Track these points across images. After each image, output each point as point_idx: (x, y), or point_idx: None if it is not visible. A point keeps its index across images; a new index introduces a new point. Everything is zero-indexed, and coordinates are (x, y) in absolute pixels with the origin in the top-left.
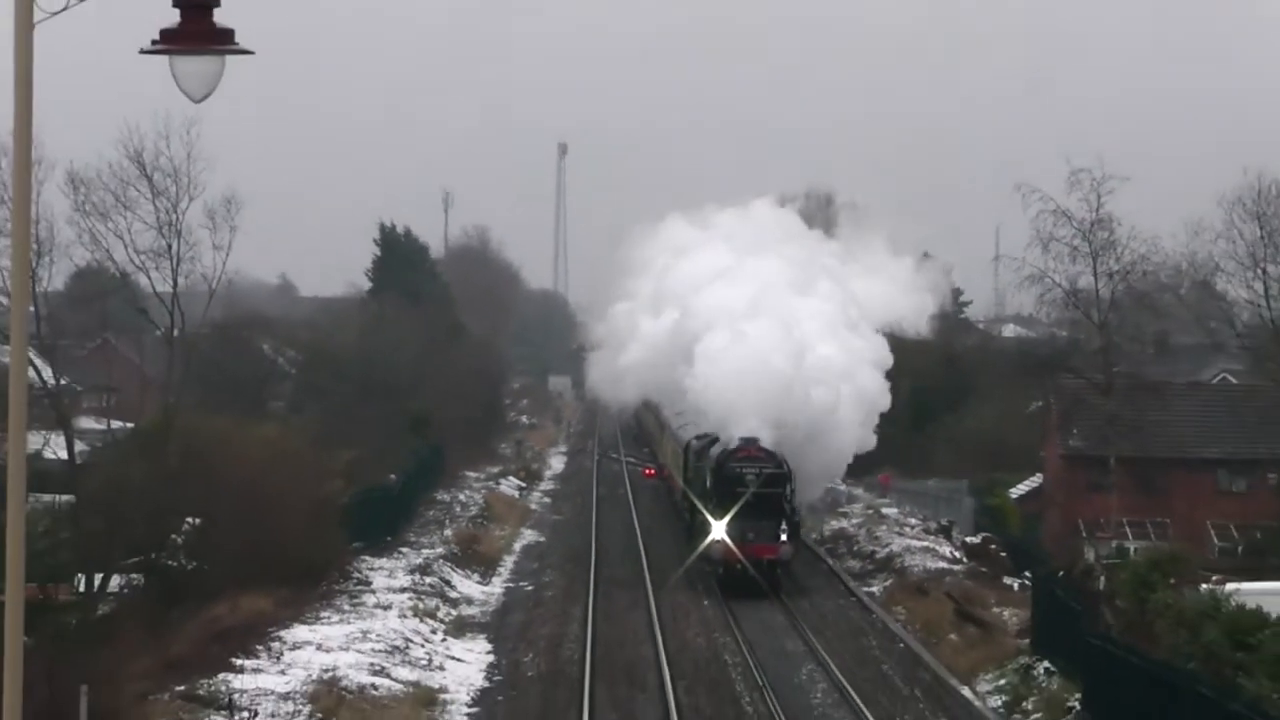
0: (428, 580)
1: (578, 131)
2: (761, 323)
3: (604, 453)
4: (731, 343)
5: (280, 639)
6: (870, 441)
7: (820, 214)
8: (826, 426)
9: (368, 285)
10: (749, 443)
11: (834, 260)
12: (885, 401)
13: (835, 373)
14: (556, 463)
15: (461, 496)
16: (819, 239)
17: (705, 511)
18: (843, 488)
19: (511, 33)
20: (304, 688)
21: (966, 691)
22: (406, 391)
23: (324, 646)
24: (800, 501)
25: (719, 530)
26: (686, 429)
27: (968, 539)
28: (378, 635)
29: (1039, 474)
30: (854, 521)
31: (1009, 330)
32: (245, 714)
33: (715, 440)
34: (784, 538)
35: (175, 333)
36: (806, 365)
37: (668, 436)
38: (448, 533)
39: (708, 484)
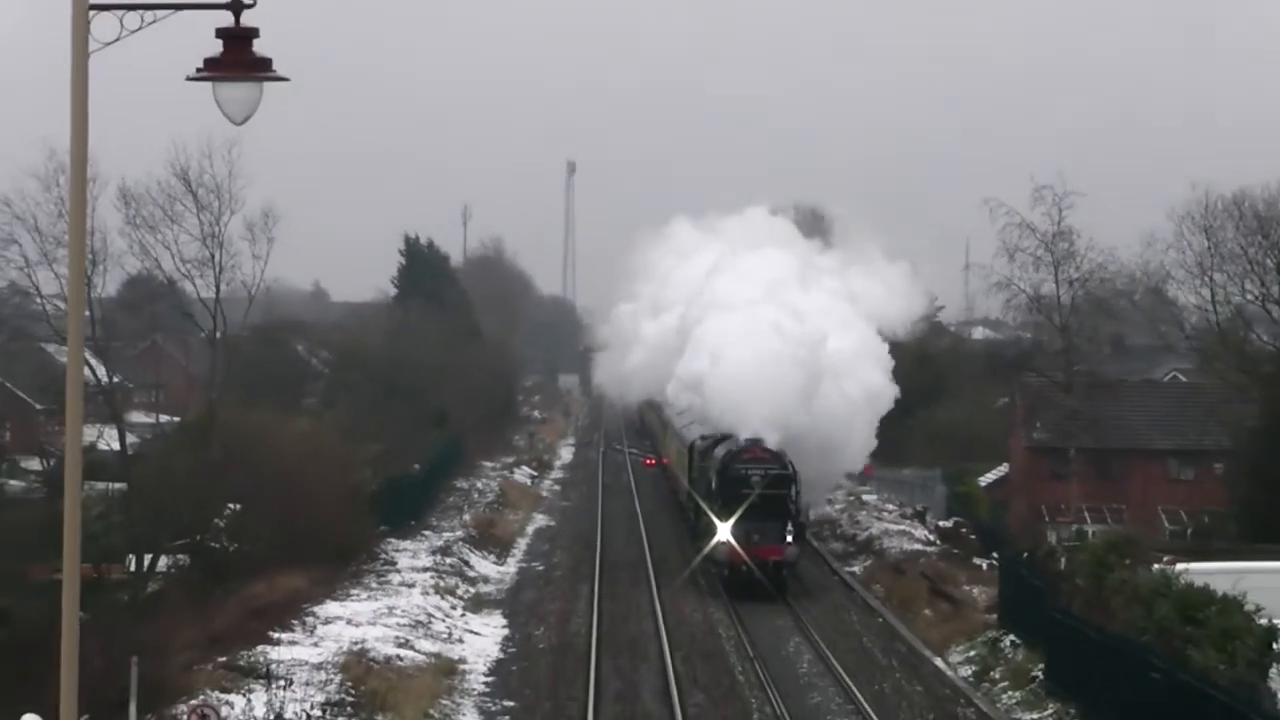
0: (448, 561)
1: (586, 149)
2: (767, 320)
3: (609, 444)
4: (739, 342)
5: (313, 614)
6: (873, 442)
7: (809, 225)
8: (838, 439)
9: (394, 292)
10: (754, 444)
11: (831, 263)
12: (889, 401)
13: (848, 369)
14: (565, 453)
15: (479, 484)
16: (814, 247)
17: (710, 513)
18: None
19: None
20: (335, 659)
21: (939, 662)
22: (429, 389)
23: (353, 621)
24: (805, 503)
25: (724, 532)
26: (690, 429)
27: (940, 523)
28: (402, 611)
29: (1005, 464)
30: (837, 507)
31: (978, 333)
32: (281, 683)
33: (720, 441)
34: (789, 539)
35: (218, 335)
36: (825, 358)
37: (671, 435)
38: (466, 517)
39: (713, 485)
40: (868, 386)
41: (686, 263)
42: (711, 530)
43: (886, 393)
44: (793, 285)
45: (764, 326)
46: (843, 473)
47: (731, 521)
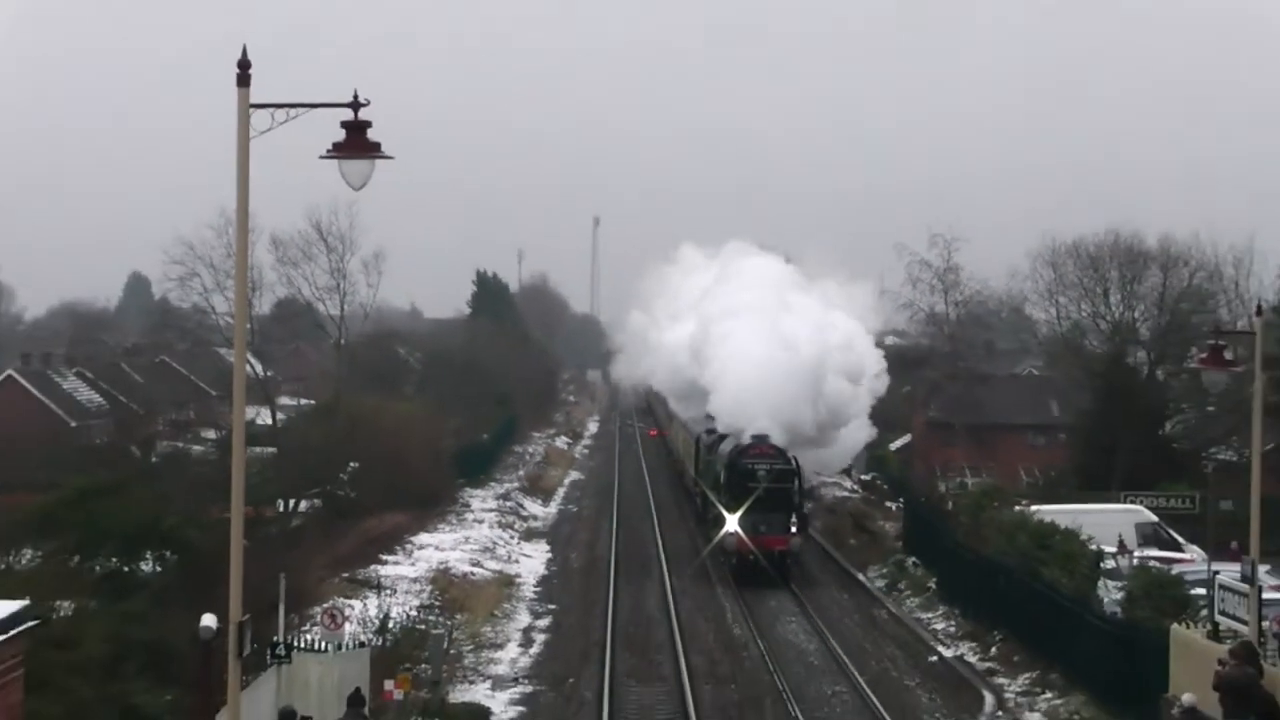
0: (507, 504)
1: (609, 201)
2: (769, 323)
3: (623, 421)
4: (744, 347)
5: (411, 543)
6: (872, 431)
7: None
8: (838, 433)
9: (468, 310)
10: (760, 440)
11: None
12: (882, 387)
13: (853, 369)
14: (592, 427)
15: (529, 449)
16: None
17: (719, 505)
18: None
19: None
20: (426, 574)
21: (861, 577)
22: (493, 380)
23: (439, 547)
24: (815, 483)
25: (733, 523)
26: (696, 422)
27: (862, 477)
28: (474, 540)
29: (909, 434)
30: None
31: (889, 340)
32: (388, 591)
33: (725, 437)
34: (794, 530)
35: (341, 342)
36: (830, 357)
37: (677, 426)
38: (520, 473)
39: (721, 479)
40: (860, 376)
41: (692, 277)
42: (720, 521)
43: (878, 381)
44: (789, 287)
45: (766, 330)
46: (847, 456)
47: (739, 514)
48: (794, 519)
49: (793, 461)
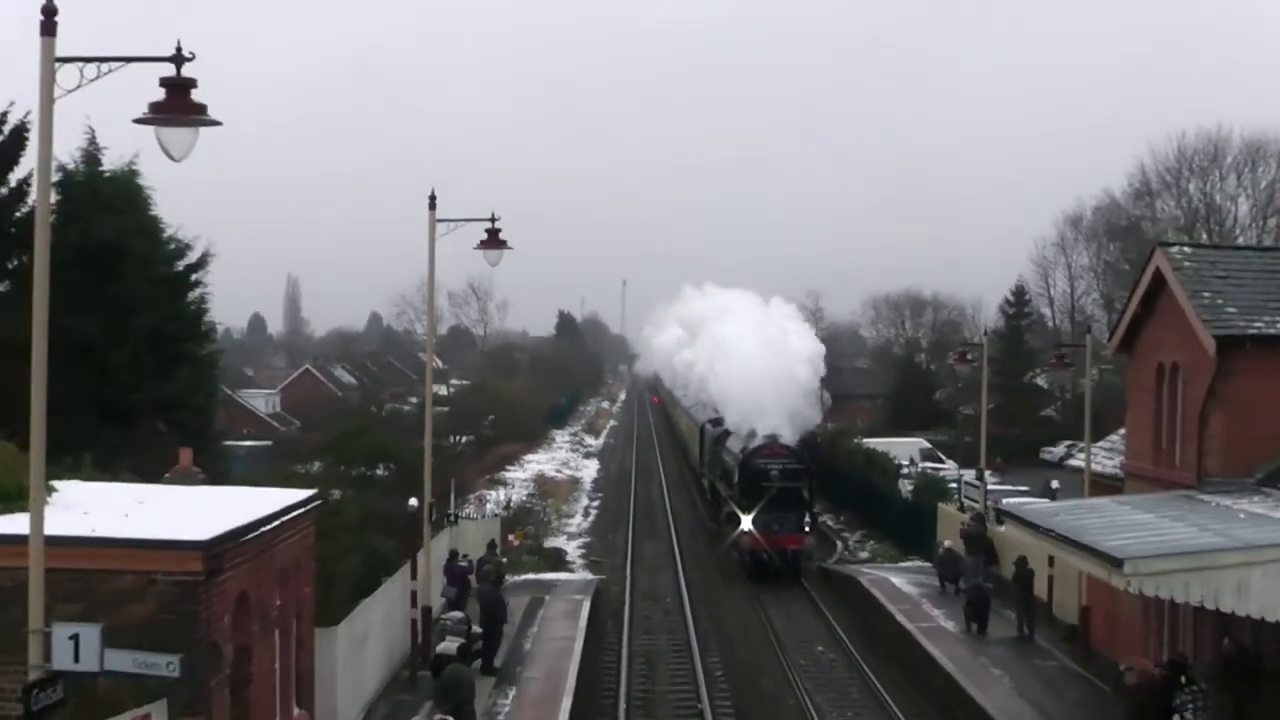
0: (575, 438)
1: (637, 262)
2: (774, 330)
3: (639, 393)
4: (749, 345)
5: (522, 460)
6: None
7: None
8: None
9: (554, 333)
10: (772, 440)
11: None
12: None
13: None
14: (622, 396)
15: (587, 408)
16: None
17: (733, 504)
18: None
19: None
20: (531, 477)
21: None
22: (567, 371)
23: (538, 462)
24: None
25: (746, 523)
26: (697, 409)
27: None
28: (557, 458)
29: None
30: None
31: None
32: (511, 487)
33: (728, 432)
34: (807, 529)
35: (483, 350)
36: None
37: (681, 411)
38: (582, 421)
39: (735, 478)
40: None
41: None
42: (735, 519)
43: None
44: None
45: (771, 337)
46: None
47: (753, 514)
48: (807, 518)
49: (805, 461)
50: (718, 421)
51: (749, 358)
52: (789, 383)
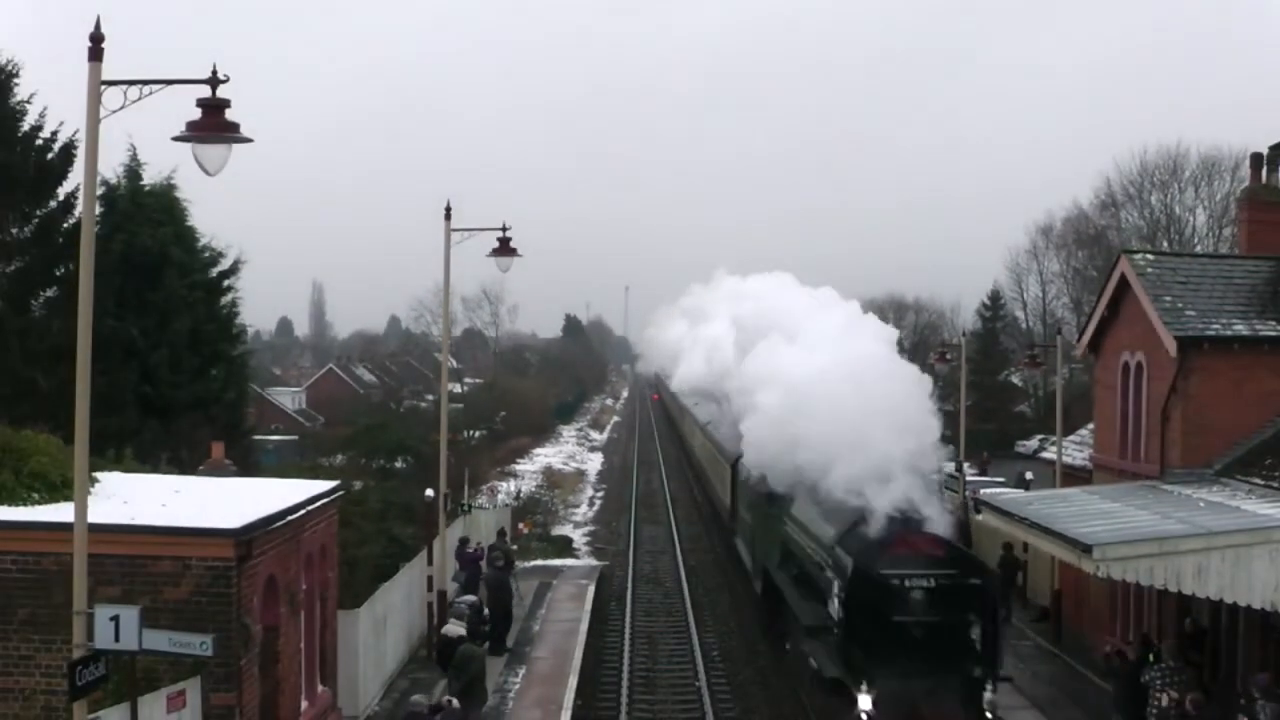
0: (581, 432)
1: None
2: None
3: (641, 391)
4: (854, 362)
5: (532, 453)
6: None
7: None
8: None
9: (561, 334)
10: (906, 525)
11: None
12: None
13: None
14: (625, 394)
15: (592, 405)
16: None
17: (825, 653)
18: None
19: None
20: (539, 469)
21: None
22: (574, 370)
23: (546, 456)
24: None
25: (866, 702)
26: (715, 426)
27: None
28: (564, 453)
29: None
30: None
31: None
32: (521, 478)
33: (771, 489)
34: (989, 693)
35: (494, 351)
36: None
37: (689, 420)
38: (587, 417)
39: (834, 598)
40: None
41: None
42: (834, 684)
43: None
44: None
45: (875, 352)
46: None
47: (880, 680)
48: (988, 684)
49: (978, 567)
50: (757, 466)
51: (838, 374)
52: (920, 426)
